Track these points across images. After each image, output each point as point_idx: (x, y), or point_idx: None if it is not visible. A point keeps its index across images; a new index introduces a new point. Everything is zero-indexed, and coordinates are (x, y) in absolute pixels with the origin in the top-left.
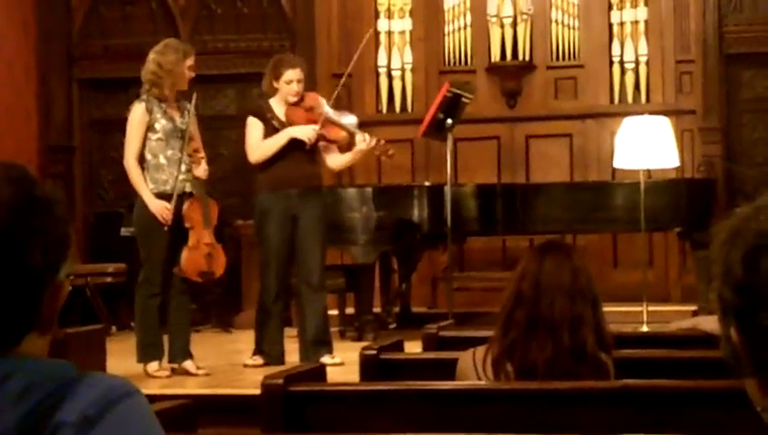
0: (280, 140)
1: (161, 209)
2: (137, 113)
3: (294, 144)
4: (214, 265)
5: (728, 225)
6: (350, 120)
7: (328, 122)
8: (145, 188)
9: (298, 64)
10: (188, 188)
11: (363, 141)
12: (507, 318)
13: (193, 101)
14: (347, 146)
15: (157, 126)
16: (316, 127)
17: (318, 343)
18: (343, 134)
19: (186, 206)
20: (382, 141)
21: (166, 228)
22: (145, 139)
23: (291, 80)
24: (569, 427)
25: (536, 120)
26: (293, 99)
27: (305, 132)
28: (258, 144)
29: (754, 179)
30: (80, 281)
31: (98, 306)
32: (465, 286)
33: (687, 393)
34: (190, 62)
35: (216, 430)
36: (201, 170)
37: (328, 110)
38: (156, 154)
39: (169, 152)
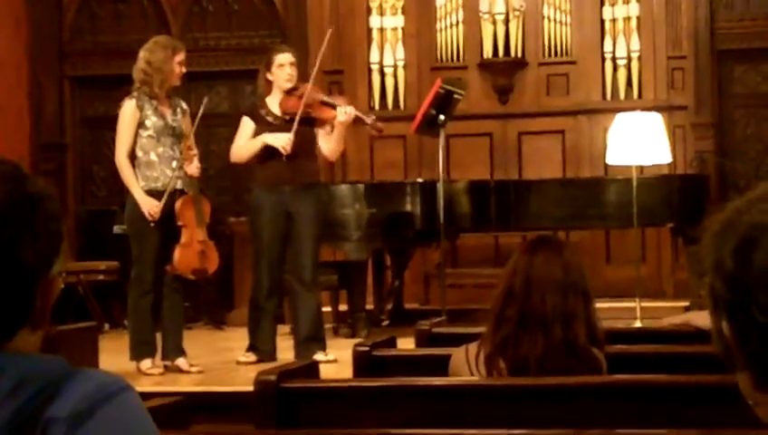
0: (255, 144)
1: (150, 206)
2: (127, 110)
3: (295, 139)
4: (206, 262)
5: (720, 218)
6: (338, 100)
7: (315, 102)
8: (136, 186)
9: (288, 50)
10: (179, 186)
11: (344, 114)
12: (499, 314)
13: (203, 105)
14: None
15: (147, 123)
16: (290, 135)
17: (311, 340)
18: (333, 113)
19: (178, 203)
20: (373, 117)
21: (153, 225)
22: (136, 136)
23: (282, 63)
24: (561, 422)
25: (528, 116)
26: (288, 84)
27: (280, 141)
28: (238, 146)
29: (747, 175)
30: (72, 278)
31: (90, 304)
32: (457, 283)
33: (680, 388)
34: (180, 58)
35: (209, 426)
36: (194, 168)
37: (312, 90)
38: (147, 151)
39: (160, 149)
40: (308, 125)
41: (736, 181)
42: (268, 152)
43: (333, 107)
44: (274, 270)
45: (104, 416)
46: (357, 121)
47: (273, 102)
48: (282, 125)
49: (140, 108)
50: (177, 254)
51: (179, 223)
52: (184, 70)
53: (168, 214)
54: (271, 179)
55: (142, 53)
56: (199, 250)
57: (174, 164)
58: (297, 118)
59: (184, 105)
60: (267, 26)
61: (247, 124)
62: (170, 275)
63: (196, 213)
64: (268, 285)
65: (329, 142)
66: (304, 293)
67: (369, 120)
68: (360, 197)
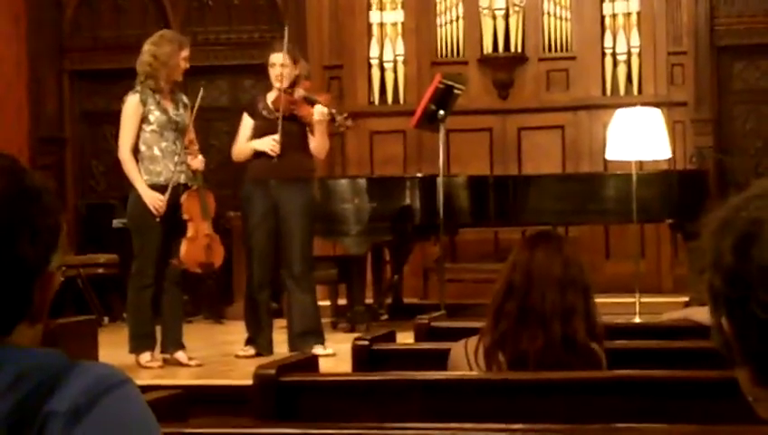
0: (247, 150)
1: (155, 201)
2: (131, 105)
3: (283, 135)
4: (213, 256)
5: (719, 214)
6: (321, 97)
7: (299, 99)
8: (140, 180)
9: (281, 49)
10: (183, 180)
11: (319, 114)
12: (498, 309)
13: (200, 96)
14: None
15: (151, 117)
16: (275, 137)
17: (305, 334)
18: (311, 110)
19: (184, 197)
20: (344, 114)
21: (158, 220)
22: (139, 130)
23: (273, 63)
24: (560, 417)
25: (528, 111)
26: (278, 84)
27: (266, 144)
28: (236, 148)
29: (746, 170)
30: (72, 272)
31: (90, 297)
32: (456, 278)
33: (679, 384)
34: (185, 53)
35: (208, 420)
36: (198, 162)
37: (301, 87)
38: (150, 146)
39: (164, 144)
40: (296, 121)
41: (736, 177)
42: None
43: (312, 105)
44: (264, 263)
45: (104, 409)
46: (332, 121)
47: (271, 97)
48: (275, 121)
49: (144, 102)
50: (183, 248)
51: (185, 217)
52: (187, 66)
53: (172, 208)
54: (259, 173)
55: (148, 47)
56: (205, 244)
57: (177, 158)
58: (280, 117)
59: (186, 99)
60: (267, 21)
61: (246, 122)
62: (172, 269)
63: (202, 207)
64: (259, 278)
65: (312, 140)
66: (295, 287)
67: (339, 117)
68: (359, 191)
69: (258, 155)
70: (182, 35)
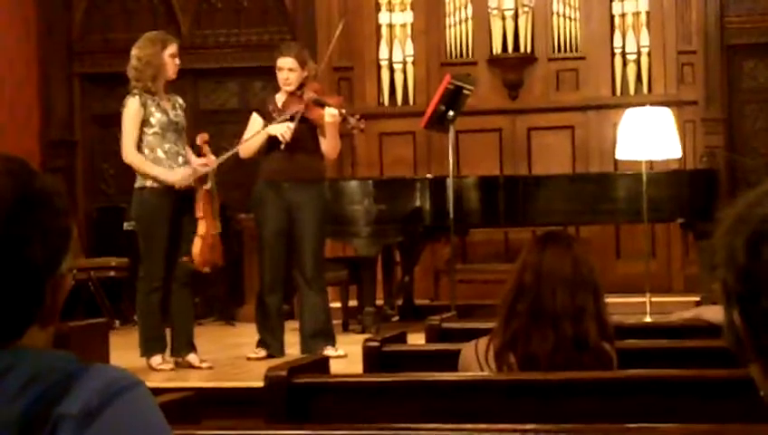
0: (259, 138)
1: (186, 176)
2: (132, 107)
3: (295, 136)
4: (217, 255)
5: (732, 211)
6: (331, 99)
7: (310, 101)
8: (154, 168)
9: (289, 53)
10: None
11: (330, 116)
12: (509, 309)
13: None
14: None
15: (152, 120)
16: (291, 124)
17: (316, 336)
18: (322, 113)
19: (198, 196)
20: (356, 116)
21: (165, 221)
22: (141, 134)
23: (281, 67)
24: (572, 417)
25: (538, 111)
26: (286, 87)
27: (279, 129)
28: (245, 141)
29: (757, 169)
30: (83, 275)
31: (101, 300)
32: (467, 278)
33: (690, 383)
34: (171, 50)
35: (220, 422)
36: (213, 162)
37: (311, 89)
38: (153, 148)
39: (167, 145)
40: (307, 123)
41: (746, 176)
42: (271, 145)
43: (323, 107)
44: (276, 265)
45: (115, 412)
46: (345, 121)
47: (281, 100)
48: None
49: (144, 105)
50: (195, 247)
51: (198, 215)
52: (177, 62)
53: (177, 210)
54: (271, 174)
55: (134, 51)
56: (212, 243)
57: (180, 160)
58: (297, 117)
59: (180, 100)
60: (276, 23)
61: (256, 120)
62: (180, 271)
63: (213, 206)
64: (270, 280)
65: (323, 142)
66: (307, 289)
67: (352, 120)
68: (369, 193)
69: (269, 152)
70: (167, 34)
